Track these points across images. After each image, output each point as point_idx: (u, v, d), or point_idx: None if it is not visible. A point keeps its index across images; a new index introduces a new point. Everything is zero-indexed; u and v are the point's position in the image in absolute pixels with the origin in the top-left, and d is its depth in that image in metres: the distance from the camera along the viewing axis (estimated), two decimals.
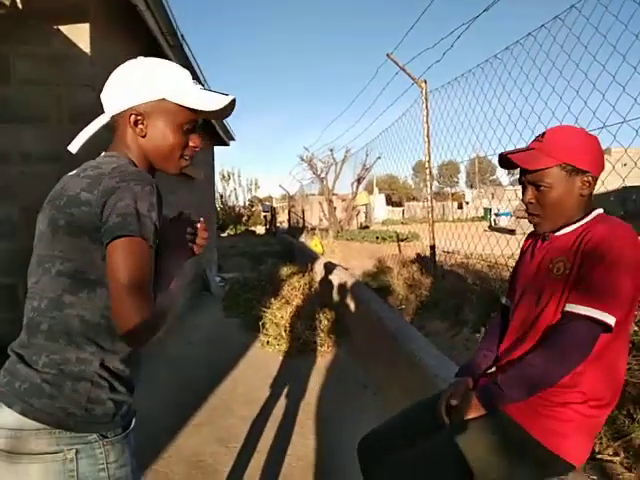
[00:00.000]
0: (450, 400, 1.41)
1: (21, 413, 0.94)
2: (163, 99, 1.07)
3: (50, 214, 1.01)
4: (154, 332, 0.96)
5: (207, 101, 1.09)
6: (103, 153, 1.10)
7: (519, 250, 1.66)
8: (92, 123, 1.12)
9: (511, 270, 1.73)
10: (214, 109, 1.09)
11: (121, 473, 1.02)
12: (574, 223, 1.37)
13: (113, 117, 1.10)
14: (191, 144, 1.14)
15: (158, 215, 0.99)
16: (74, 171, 1.06)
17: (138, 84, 1.06)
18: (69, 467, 0.95)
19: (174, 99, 1.07)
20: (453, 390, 1.45)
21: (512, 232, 14.51)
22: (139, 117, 1.07)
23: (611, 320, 1.21)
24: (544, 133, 1.40)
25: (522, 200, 1.44)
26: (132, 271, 0.91)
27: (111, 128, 1.12)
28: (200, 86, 1.12)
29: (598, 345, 1.25)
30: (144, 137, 1.09)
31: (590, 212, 1.38)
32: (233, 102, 1.11)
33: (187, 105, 1.08)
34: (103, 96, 1.11)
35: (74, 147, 1.11)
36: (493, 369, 1.49)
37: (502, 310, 1.64)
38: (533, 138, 1.46)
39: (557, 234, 1.40)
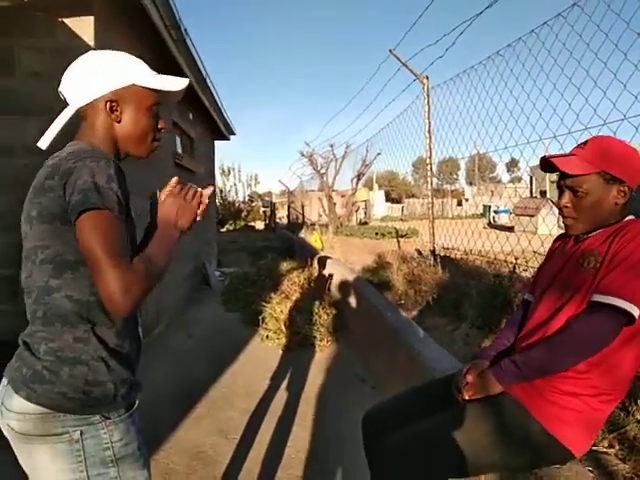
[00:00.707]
0: (466, 376, 1.46)
1: (26, 398, 1.00)
2: (133, 84, 1.12)
3: (25, 211, 1.06)
4: (141, 295, 0.97)
5: (170, 82, 1.17)
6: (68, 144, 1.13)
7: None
8: (59, 117, 1.13)
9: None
10: (178, 89, 1.18)
11: (126, 451, 1.08)
12: (608, 227, 1.41)
13: (79, 109, 1.12)
14: (159, 126, 1.21)
15: (120, 187, 1.01)
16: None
17: (108, 73, 1.10)
18: (76, 447, 1.01)
19: (143, 83, 1.13)
20: (470, 367, 1.50)
21: (511, 229, 14.55)
22: (114, 103, 1.11)
23: (635, 311, 1.24)
24: (587, 141, 1.45)
25: (558, 203, 1.48)
26: (102, 242, 0.94)
27: (75, 121, 1.14)
28: (155, 72, 1.18)
29: (617, 341, 1.28)
30: (119, 122, 1.13)
31: (623, 218, 1.42)
32: (186, 85, 1.19)
33: (155, 87, 1.14)
34: (64, 90, 1.13)
35: (44, 143, 1.13)
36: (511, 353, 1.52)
37: (524, 304, 1.68)
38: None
39: (590, 235, 1.44)
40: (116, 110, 1.12)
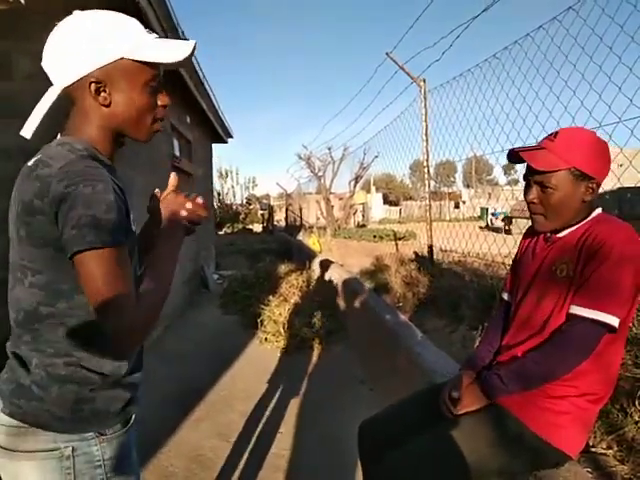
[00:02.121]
0: (452, 392, 1.44)
1: (9, 415, 0.94)
2: (121, 58, 0.94)
3: (13, 219, 0.94)
4: (146, 332, 0.90)
5: (169, 52, 0.97)
6: (58, 136, 1.00)
7: (515, 248, 1.69)
8: (42, 100, 0.98)
9: (504, 267, 1.77)
10: (178, 60, 0.97)
11: (118, 468, 1.00)
12: (576, 224, 1.39)
13: (65, 89, 0.96)
14: (160, 103, 1.03)
15: (123, 208, 0.92)
16: (31, 161, 0.94)
17: (91, 46, 0.92)
18: (66, 464, 0.94)
19: (134, 56, 0.94)
20: (455, 382, 1.49)
21: (508, 232, 14.58)
22: (100, 84, 0.94)
23: (615, 322, 1.24)
24: (556, 133, 1.40)
25: (524, 197, 1.45)
26: (101, 282, 0.84)
27: (64, 102, 0.99)
28: (155, 35, 1.00)
29: (601, 345, 1.28)
30: (108, 106, 0.96)
31: (590, 212, 1.40)
32: (194, 48, 0.98)
33: (149, 60, 0.96)
34: (46, 65, 0.96)
35: (27, 132, 1.00)
36: (495, 363, 1.52)
37: (504, 305, 1.68)
38: (543, 135, 1.47)
39: (559, 235, 1.42)
40: (103, 91, 0.94)
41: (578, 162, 1.34)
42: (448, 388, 1.48)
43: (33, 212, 0.88)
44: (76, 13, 0.96)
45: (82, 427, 0.96)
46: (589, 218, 1.39)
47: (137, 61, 0.95)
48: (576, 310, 1.28)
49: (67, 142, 0.94)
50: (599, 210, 1.42)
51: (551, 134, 1.42)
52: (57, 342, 0.94)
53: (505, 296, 1.69)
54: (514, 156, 1.46)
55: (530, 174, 1.42)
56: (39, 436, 0.93)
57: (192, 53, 0.98)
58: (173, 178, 1.12)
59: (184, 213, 1.06)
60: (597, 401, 1.36)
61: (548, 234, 1.46)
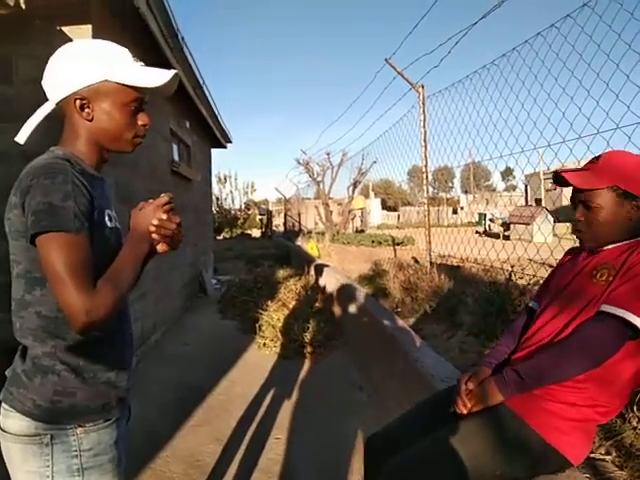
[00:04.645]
0: (467, 384, 1.44)
1: (2, 400, 1.05)
2: (105, 80, 1.05)
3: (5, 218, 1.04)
4: (103, 316, 0.92)
5: (149, 78, 1.07)
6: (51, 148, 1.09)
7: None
8: (37, 112, 1.10)
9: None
10: (157, 85, 1.08)
11: (94, 462, 1.06)
12: (623, 241, 1.40)
13: (58, 104, 1.09)
14: (140, 123, 1.13)
15: (80, 202, 0.96)
16: None
17: (78, 67, 1.04)
18: (45, 451, 1.02)
19: (116, 79, 1.06)
20: (471, 375, 1.49)
21: (507, 238, 14.60)
22: (84, 101, 1.06)
23: None
24: (600, 156, 1.44)
25: (574, 218, 1.46)
26: (57, 265, 0.91)
27: (59, 115, 1.10)
28: (141, 63, 1.11)
29: (619, 354, 1.27)
30: (91, 121, 1.08)
31: (638, 234, 1.41)
32: (175, 77, 1.09)
33: (130, 83, 1.07)
34: (44, 83, 1.09)
35: (21, 138, 1.10)
36: (511, 360, 1.51)
37: (527, 311, 1.67)
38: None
39: (605, 248, 1.43)
40: (87, 107, 1.06)
41: (620, 181, 1.36)
42: (464, 380, 1.48)
43: (11, 207, 1.00)
44: (76, 41, 1.10)
45: (60, 419, 1.02)
46: (637, 238, 1.40)
47: (119, 83, 1.06)
48: (604, 308, 1.29)
49: (52, 150, 1.08)
50: None
51: (594, 157, 1.46)
52: (34, 330, 1.03)
53: (531, 304, 1.68)
54: (560, 179, 1.49)
55: (576, 194, 1.44)
56: (23, 422, 1.01)
57: (173, 81, 1.10)
58: (165, 197, 1.09)
59: (152, 228, 1.05)
60: (606, 414, 1.35)
61: (594, 249, 1.46)
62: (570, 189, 1.48)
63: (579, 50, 3.19)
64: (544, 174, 11.99)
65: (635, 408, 1.89)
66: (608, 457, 1.76)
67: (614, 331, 1.26)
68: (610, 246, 1.42)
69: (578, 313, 1.36)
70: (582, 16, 3.16)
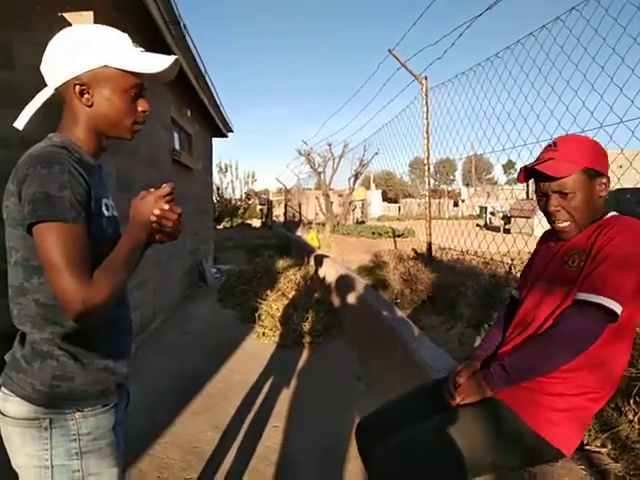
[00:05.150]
0: (457, 378, 1.46)
1: (2, 384, 1.06)
2: (105, 66, 1.04)
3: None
4: (100, 305, 0.92)
5: (149, 64, 1.07)
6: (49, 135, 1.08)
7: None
8: (36, 97, 1.09)
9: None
10: (157, 71, 1.07)
11: (93, 446, 1.07)
12: (591, 223, 1.42)
13: (57, 89, 1.08)
14: (140, 109, 1.12)
15: (77, 191, 0.96)
16: None
17: (78, 53, 1.03)
18: (44, 435, 1.03)
19: (116, 64, 1.05)
20: (462, 368, 1.51)
21: (508, 231, 14.59)
22: (84, 87, 1.05)
23: (618, 309, 1.25)
24: (555, 143, 1.45)
25: (545, 210, 1.47)
26: (53, 254, 0.91)
27: (58, 101, 1.09)
28: (141, 49, 1.10)
29: (602, 339, 1.29)
30: (91, 107, 1.07)
31: (606, 213, 1.44)
32: (176, 63, 1.09)
33: (129, 69, 1.06)
34: (43, 68, 1.07)
35: (20, 123, 1.09)
36: (498, 355, 1.53)
37: (511, 301, 1.70)
38: (539, 140, 1.51)
39: (572, 234, 1.45)
40: (87, 93, 1.05)
41: (588, 162, 1.39)
42: (452, 376, 1.50)
43: (9, 195, 1.00)
44: (75, 26, 1.08)
45: (59, 403, 1.04)
46: (604, 219, 1.42)
47: (119, 69, 1.05)
48: (581, 296, 1.30)
49: (49, 137, 1.07)
50: (614, 212, 1.46)
51: (549, 145, 1.47)
52: (33, 317, 1.03)
53: (514, 293, 1.72)
54: (527, 174, 1.49)
55: (544, 184, 1.44)
56: (23, 406, 1.03)
57: (173, 67, 1.09)
58: (167, 186, 1.09)
59: (152, 218, 1.05)
60: (597, 400, 1.37)
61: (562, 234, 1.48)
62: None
63: (584, 43, 3.17)
64: None
65: (632, 401, 1.90)
66: (604, 449, 1.77)
67: (592, 318, 1.28)
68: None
69: (554, 300, 1.38)
70: (588, 9, 3.13)
